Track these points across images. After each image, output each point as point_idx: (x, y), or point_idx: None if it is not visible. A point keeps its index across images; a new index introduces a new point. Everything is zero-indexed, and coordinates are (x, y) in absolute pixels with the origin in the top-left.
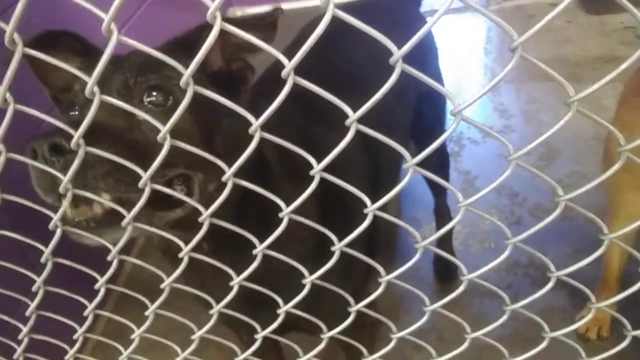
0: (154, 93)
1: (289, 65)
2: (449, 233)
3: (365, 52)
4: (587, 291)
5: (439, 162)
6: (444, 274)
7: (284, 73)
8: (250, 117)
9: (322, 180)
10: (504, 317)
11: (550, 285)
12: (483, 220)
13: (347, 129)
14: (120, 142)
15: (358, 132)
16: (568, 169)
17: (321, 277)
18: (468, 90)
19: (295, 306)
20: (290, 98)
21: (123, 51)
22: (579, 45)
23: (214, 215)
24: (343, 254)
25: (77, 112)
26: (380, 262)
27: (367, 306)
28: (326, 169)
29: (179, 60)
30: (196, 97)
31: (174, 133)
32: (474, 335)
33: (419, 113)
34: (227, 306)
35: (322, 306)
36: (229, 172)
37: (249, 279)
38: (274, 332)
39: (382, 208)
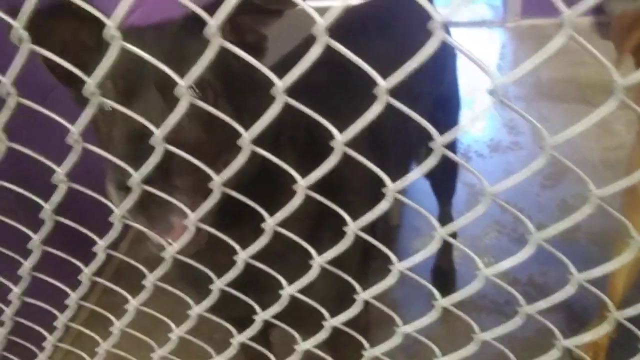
0: (196, 89)
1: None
2: (450, 244)
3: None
4: (607, 299)
5: (449, 169)
6: (443, 285)
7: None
8: (275, 79)
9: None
10: (516, 318)
11: (569, 287)
12: (484, 235)
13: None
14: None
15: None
16: (573, 191)
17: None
18: (479, 104)
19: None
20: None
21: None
22: (592, 68)
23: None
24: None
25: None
26: (377, 267)
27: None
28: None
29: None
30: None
31: (216, 122)
32: (482, 335)
33: (434, 117)
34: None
35: (315, 294)
36: (247, 138)
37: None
38: (274, 316)
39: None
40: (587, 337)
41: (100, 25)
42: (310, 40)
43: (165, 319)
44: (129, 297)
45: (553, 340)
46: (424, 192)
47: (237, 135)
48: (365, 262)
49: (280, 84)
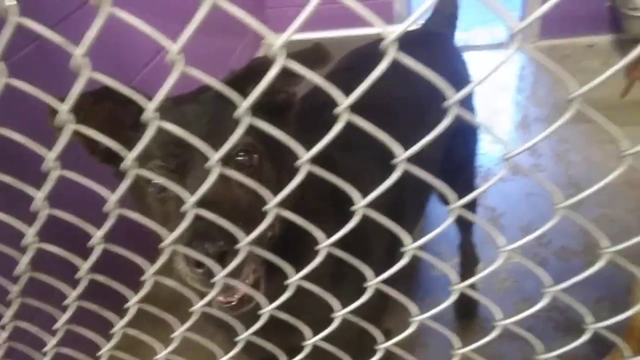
0: (241, 153)
1: (345, 102)
2: (472, 271)
3: (402, 89)
4: (621, 344)
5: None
6: (465, 312)
7: (338, 110)
8: (300, 149)
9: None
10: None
11: (586, 337)
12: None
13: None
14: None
15: (388, 167)
16: (597, 213)
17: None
18: (499, 128)
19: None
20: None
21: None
22: (613, 88)
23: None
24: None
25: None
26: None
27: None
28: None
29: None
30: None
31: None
32: (507, 322)
33: (450, 150)
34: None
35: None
36: (273, 201)
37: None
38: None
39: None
40: None
41: (139, 105)
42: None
43: None
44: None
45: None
46: (444, 216)
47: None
48: (384, 303)
49: (305, 156)
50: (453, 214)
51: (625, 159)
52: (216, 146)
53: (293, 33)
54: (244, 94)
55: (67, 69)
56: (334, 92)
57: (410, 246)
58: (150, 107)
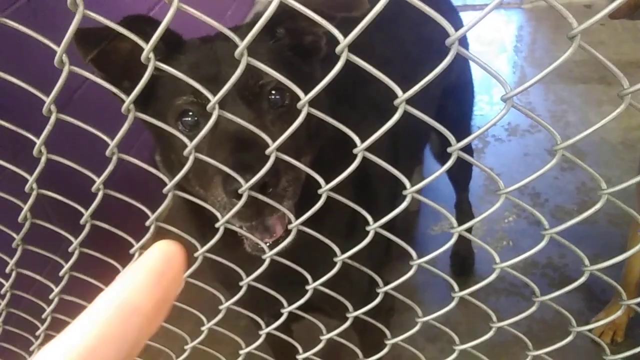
0: (274, 92)
1: (344, 41)
2: (469, 228)
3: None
4: (619, 287)
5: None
6: (461, 269)
7: (338, 49)
8: (301, 92)
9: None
10: (533, 308)
11: (583, 279)
12: (503, 219)
13: (371, 109)
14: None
15: (383, 114)
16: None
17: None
18: (497, 88)
19: (322, 284)
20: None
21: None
22: (611, 48)
23: None
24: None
25: (193, 119)
26: (399, 251)
27: (386, 293)
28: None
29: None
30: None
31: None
32: (500, 324)
33: (444, 107)
34: (254, 281)
35: (344, 287)
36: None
37: (279, 253)
38: (298, 309)
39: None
40: (598, 323)
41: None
42: None
43: (196, 312)
44: None
45: (569, 328)
46: (440, 178)
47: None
48: (389, 250)
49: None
50: (452, 157)
51: (625, 98)
52: (248, 81)
53: None
54: (274, 34)
55: (57, 25)
56: (331, 28)
57: (410, 190)
58: (148, 48)
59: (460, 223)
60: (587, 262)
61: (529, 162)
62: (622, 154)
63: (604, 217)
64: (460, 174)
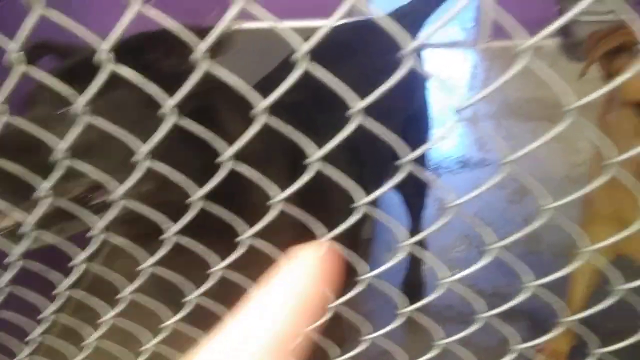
0: None
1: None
2: (419, 259)
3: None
4: (562, 302)
5: (419, 184)
6: (412, 296)
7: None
8: (258, 98)
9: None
10: (475, 326)
11: (525, 295)
12: (452, 248)
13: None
14: None
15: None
16: (538, 205)
17: None
18: (449, 123)
19: None
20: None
21: None
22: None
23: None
24: None
25: None
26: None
27: (336, 322)
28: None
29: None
30: None
31: None
32: (445, 341)
33: (405, 134)
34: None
35: None
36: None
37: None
38: None
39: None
40: (536, 341)
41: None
42: (288, 62)
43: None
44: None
45: (508, 347)
46: (396, 209)
47: None
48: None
49: (262, 104)
50: (404, 170)
51: (568, 114)
52: None
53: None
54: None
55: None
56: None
57: (362, 202)
58: (103, 48)
59: (412, 249)
60: (529, 278)
61: (480, 194)
62: (567, 188)
63: (547, 249)
64: (414, 202)
